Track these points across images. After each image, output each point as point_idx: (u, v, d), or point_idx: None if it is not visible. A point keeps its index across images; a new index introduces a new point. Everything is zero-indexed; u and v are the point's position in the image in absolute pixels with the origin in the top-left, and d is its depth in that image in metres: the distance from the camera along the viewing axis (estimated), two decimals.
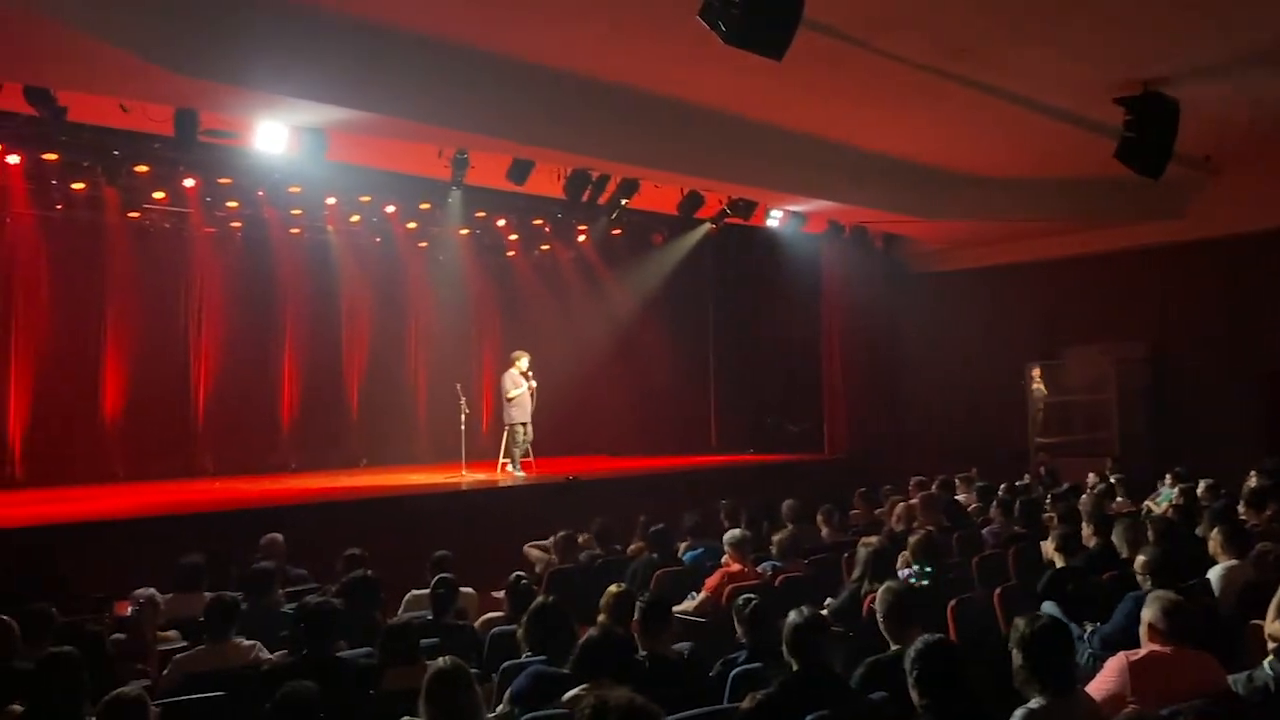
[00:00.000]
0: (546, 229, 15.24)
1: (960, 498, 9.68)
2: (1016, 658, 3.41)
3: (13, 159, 10.36)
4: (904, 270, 15.79)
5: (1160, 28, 7.78)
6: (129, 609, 5.74)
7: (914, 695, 3.37)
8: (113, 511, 9.40)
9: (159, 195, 12.20)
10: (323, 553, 7.46)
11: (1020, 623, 3.48)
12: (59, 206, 12.03)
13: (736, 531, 6.94)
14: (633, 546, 8.21)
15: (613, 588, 5.02)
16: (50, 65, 7.17)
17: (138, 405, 12.92)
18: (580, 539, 8.03)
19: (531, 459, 12.62)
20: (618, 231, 15.01)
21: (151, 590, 5.73)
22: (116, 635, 5.47)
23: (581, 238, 15.45)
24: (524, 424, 12.42)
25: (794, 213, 13.22)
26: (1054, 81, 8.87)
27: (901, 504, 8.54)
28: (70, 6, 6.36)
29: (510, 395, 12.34)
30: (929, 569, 5.93)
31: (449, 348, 15.51)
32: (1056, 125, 9.85)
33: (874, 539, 6.84)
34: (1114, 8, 7.42)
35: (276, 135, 8.79)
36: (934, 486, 9.50)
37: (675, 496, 11.15)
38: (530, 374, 12.42)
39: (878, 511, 9.44)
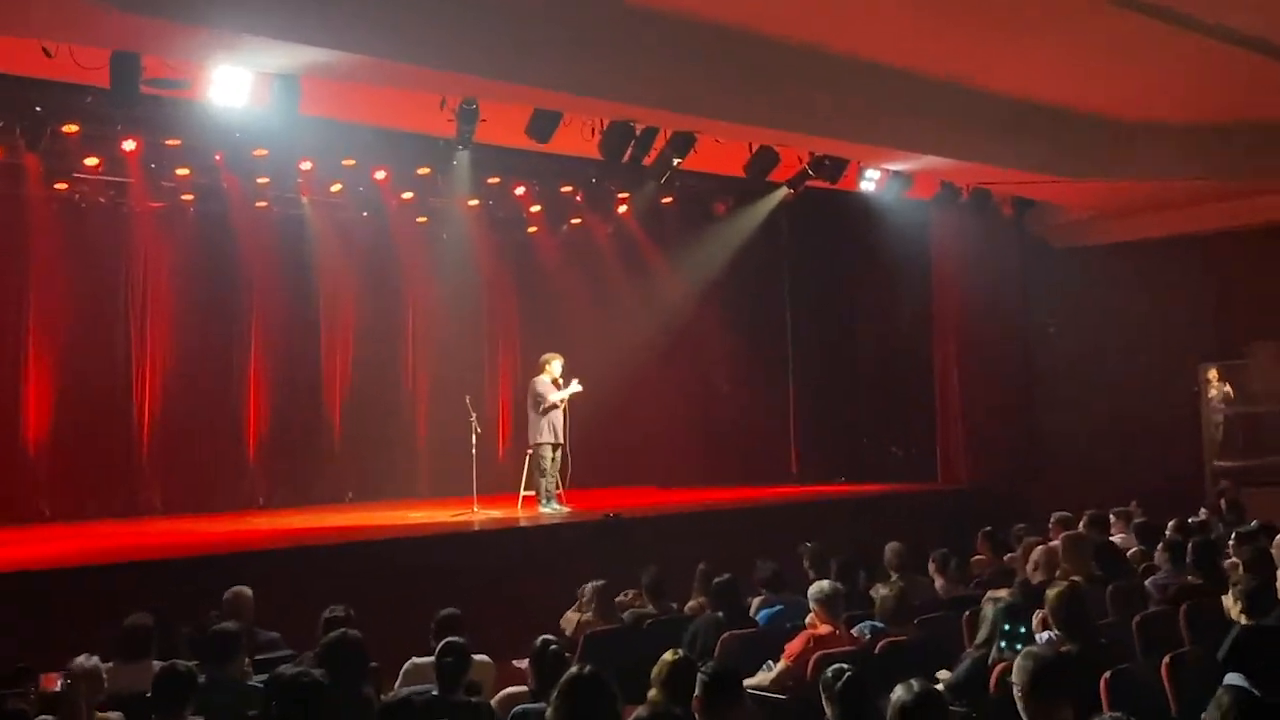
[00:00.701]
0: (578, 198, 15.28)
1: (1116, 539, 9.59)
2: None
3: None
4: (1039, 245, 15.66)
5: None
6: (58, 682, 5.83)
7: None
8: (37, 560, 9.55)
9: (91, 162, 12.38)
10: (300, 611, 7.52)
11: (1224, 698, 3.39)
12: None
13: (825, 583, 6.92)
14: (692, 603, 8.22)
15: (668, 655, 5.02)
16: None
17: (67, 426, 13.12)
18: (624, 594, 8.03)
19: (562, 490, 12.65)
20: (669, 200, 14.97)
21: (94, 660, 5.82)
22: (44, 717, 5.56)
23: (622, 209, 15.46)
24: (553, 445, 12.44)
25: (896, 172, 13.14)
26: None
27: (1039, 547, 8.47)
28: None
29: (544, 407, 12.32)
30: (1020, 630, 5.85)
31: (456, 350, 15.60)
32: (1241, 56, 9.70)
33: (1003, 593, 6.80)
34: None
35: (237, 84, 8.89)
36: (1081, 524, 9.46)
37: (745, 539, 11.12)
38: (562, 383, 12.45)
39: (1008, 557, 9.39)
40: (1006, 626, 5.87)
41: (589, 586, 7.99)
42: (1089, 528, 9.40)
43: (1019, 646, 5.26)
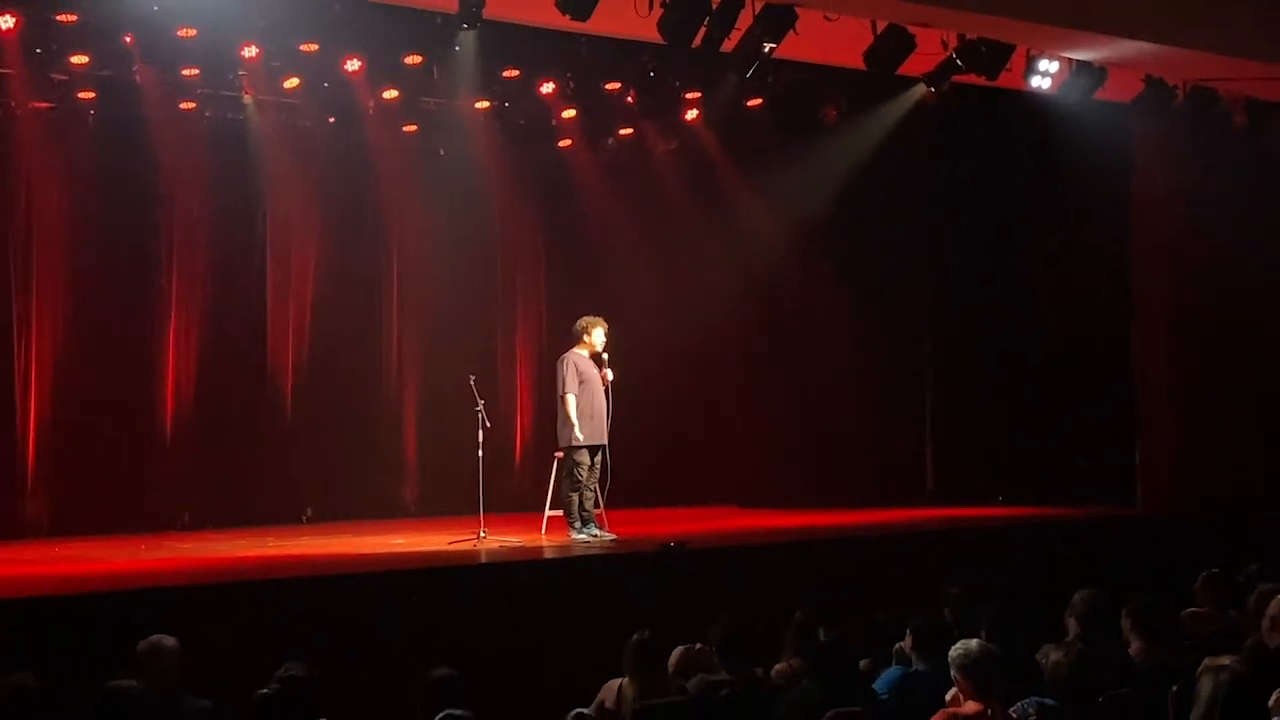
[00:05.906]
0: (628, 99, 15.33)
1: None
2: None
3: None
4: None
5: None
6: None
7: None
8: None
9: None
10: (241, 670, 7.64)
11: None
12: None
13: (972, 643, 6.92)
14: (781, 665, 8.25)
15: None
16: None
17: None
18: (690, 647, 8.07)
19: (603, 509, 12.71)
20: (757, 102, 14.99)
21: None
22: None
23: (691, 114, 15.53)
24: (592, 448, 12.45)
25: (1081, 63, 13.12)
26: None
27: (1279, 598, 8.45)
28: None
29: (573, 394, 12.31)
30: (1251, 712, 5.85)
31: (457, 313, 15.74)
32: None
33: (1228, 659, 6.77)
34: None
35: None
36: None
37: (860, 580, 11.20)
38: (606, 359, 12.44)
39: (1235, 612, 9.33)
40: (1232, 706, 5.87)
41: (636, 639, 7.99)
42: None
43: None
